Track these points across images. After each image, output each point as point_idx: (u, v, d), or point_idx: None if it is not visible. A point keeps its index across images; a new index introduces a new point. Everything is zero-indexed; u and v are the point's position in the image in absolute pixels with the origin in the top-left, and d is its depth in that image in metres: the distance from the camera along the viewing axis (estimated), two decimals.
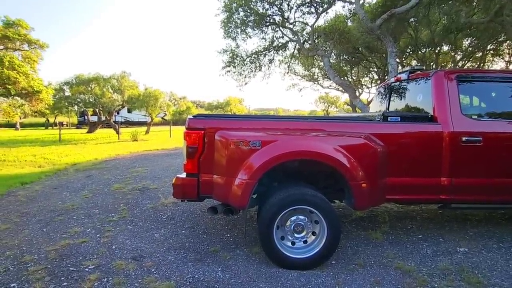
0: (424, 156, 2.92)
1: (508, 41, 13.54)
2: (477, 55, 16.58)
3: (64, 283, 2.41)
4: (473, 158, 2.92)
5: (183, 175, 2.91)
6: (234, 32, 10.97)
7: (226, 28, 10.81)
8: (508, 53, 16.61)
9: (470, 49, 15.68)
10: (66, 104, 19.06)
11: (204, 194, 2.86)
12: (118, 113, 25.08)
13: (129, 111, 29.94)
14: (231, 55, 11.89)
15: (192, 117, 2.96)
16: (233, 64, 12.09)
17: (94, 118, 22.91)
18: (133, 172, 6.75)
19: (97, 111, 20.09)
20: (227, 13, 10.26)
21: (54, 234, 3.37)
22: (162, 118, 25.38)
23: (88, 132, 21.82)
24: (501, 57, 17.34)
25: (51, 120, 34.57)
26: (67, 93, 19.08)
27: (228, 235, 3.38)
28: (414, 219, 3.88)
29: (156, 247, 3.07)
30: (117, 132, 17.43)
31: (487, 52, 16.16)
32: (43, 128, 33.00)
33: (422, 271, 2.61)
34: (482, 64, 17.09)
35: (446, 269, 2.62)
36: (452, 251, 2.96)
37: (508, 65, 17.78)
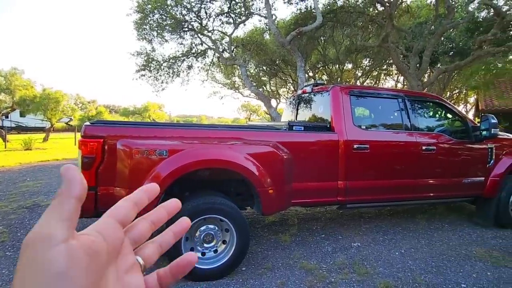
0: (324, 162, 3.21)
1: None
2: (374, 74, 19.43)
3: None
4: (362, 163, 3.33)
5: None
6: (149, 34, 10.35)
7: (140, 30, 10.13)
8: (396, 73, 19.91)
9: (368, 68, 18.27)
10: None
11: (103, 209, 2.55)
12: (6, 117, 21.15)
13: (21, 114, 25.52)
14: (146, 58, 11.16)
15: (89, 123, 2.66)
16: (148, 68, 11.37)
17: None
18: (22, 187, 5.72)
19: None
20: (141, 14, 9.65)
21: None
22: (67, 123, 22.41)
23: None
24: (391, 76, 20.73)
25: None
26: None
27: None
28: (319, 220, 4.23)
29: None
30: (4, 139, 14.62)
31: (381, 71, 19.10)
32: None
33: (322, 268, 2.84)
34: (377, 82, 20.09)
35: (342, 264, 2.91)
36: (348, 247, 3.32)
37: (397, 83, 21.31)
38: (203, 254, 2.66)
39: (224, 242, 2.71)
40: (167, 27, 10.09)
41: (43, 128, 23.48)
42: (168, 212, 0.36)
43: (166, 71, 11.75)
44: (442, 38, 11.35)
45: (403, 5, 11.24)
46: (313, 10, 10.10)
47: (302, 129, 3.22)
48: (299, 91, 4.49)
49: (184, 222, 0.38)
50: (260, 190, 2.72)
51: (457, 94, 23.22)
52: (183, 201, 2.73)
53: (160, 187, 2.30)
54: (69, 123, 23.34)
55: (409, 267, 2.88)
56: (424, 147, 3.53)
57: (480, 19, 11.44)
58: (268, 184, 2.75)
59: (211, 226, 2.67)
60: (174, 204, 0.37)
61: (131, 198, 0.33)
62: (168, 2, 9.45)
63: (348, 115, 3.35)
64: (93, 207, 2.53)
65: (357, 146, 3.26)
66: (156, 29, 10.11)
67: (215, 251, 2.69)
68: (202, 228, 2.64)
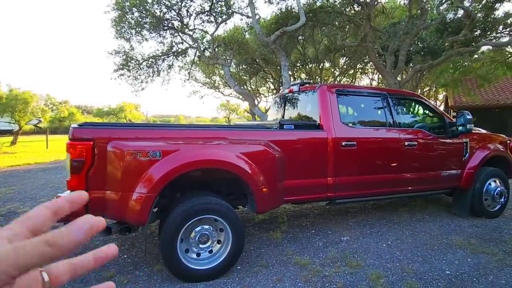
0: (313, 160, 3.28)
1: (370, 62, 16.73)
2: (350, 72, 19.99)
3: None
4: (350, 160, 3.44)
5: (67, 193, 2.48)
6: (128, 33, 10.01)
7: (118, 28, 9.77)
8: (371, 72, 20.62)
9: (345, 67, 18.75)
10: None
11: (94, 213, 2.48)
12: None
13: None
14: (124, 57, 10.79)
15: (77, 125, 2.57)
16: (127, 68, 11.00)
17: None
18: None
19: None
20: (119, 12, 9.31)
21: None
22: (36, 125, 21.27)
23: None
24: (366, 74, 21.43)
25: None
26: None
27: (126, 256, 3.04)
28: (307, 216, 4.32)
29: None
30: None
31: (357, 70, 19.68)
32: None
33: (315, 262, 2.92)
34: (353, 80, 20.69)
35: (334, 258, 3.00)
36: (338, 241, 3.42)
37: (372, 81, 22.04)
38: (198, 254, 2.65)
39: (219, 242, 2.71)
40: (146, 25, 9.82)
41: (10, 131, 22.20)
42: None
43: (146, 70, 11.45)
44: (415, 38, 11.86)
45: (378, 6, 11.63)
46: (293, 10, 10.22)
47: (293, 127, 3.28)
48: (286, 90, 4.55)
49: (111, 249, 0.34)
50: (254, 189, 2.74)
51: (428, 91, 24.38)
52: (175, 202, 2.71)
53: (155, 189, 2.27)
54: (38, 125, 22.17)
55: (397, 258, 3.01)
56: (406, 143, 3.69)
57: (448, 20, 12.07)
58: (262, 183, 2.78)
59: (206, 227, 2.66)
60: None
61: (52, 206, 0.30)
62: (148, 0, 9.22)
63: (336, 113, 3.45)
64: (83, 212, 2.43)
65: (345, 143, 3.36)
66: (135, 27, 9.81)
67: (210, 251, 2.69)
68: (197, 229, 2.63)
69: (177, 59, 11.95)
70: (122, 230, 2.59)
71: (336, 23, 11.60)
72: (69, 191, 2.47)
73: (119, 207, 2.45)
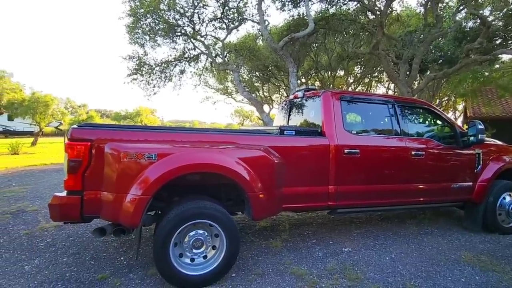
0: (314, 167, 3.20)
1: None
2: (365, 81, 19.72)
3: None
4: (353, 168, 3.34)
5: (64, 193, 2.51)
6: (141, 38, 10.31)
7: (133, 34, 10.08)
8: (387, 81, 20.25)
9: (359, 75, 18.52)
10: None
11: (89, 214, 2.52)
12: None
13: (10, 118, 25.01)
14: (138, 62, 11.07)
15: (77, 126, 2.62)
16: (140, 72, 11.27)
17: None
18: (7, 193, 5.58)
19: None
20: (133, 18, 9.60)
21: None
22: (57, 128, 22.05)
23: None
24: (382, 83, 21.07)
25: None
26: None
27: (122, 258, 3.04)
28: (310, 225, 4.21)
29: (24, 282, 2.54)
30: None
31: (372, 78, 19.40)
32: None
33: (313, 273, 2.82)
34: (369, 88, 20.38)
35: (332, 269, 2.89)
36: (339, 252, 3.30)
37: (388, 90, 21.64)
38: (192, 260, 2.61)
39: (214, 247, 2.67)
40: (159, 31, 10.06)
41: (31, 132, 23.07)
42: None
43: (158, 75, 11.69)
44: (431, 47, 11.59)
45: (394, 14, 11.46)
46: (305, 17, 10.22)
47: (293, 133, 3.22)
48: (291, 96, 4.51)
49: None
50: (250, 195, 2.69)
51: (446, 101, 23.71)
52: (172, 206, 2.69)
53: (149, 191, 2.27)
54: (59, 127, 23.00)
55: (399, 272, 2.87)
56: (413, 152, 3.56)
57: (467, 29, 11.75)
58: (258, 189, 2.73)
59: (200, 232, 2.63)
60: None
61: None
62: (161, 7, 9.45)
63: (339, 120, 3.37)
64: (78, 212, 2.46)
65: (347, 150, 3.27)
66: (148, 33, 10.07)
67: (205, 257, 2.64)
68: (191, 234, 2.60)
69: (189, 64, 12.14)
70: (116, 232, 2.59)
71: (351, 31, 11.51)
72: (65, 191, 2.49)
73: (113, 208, 2.45)
